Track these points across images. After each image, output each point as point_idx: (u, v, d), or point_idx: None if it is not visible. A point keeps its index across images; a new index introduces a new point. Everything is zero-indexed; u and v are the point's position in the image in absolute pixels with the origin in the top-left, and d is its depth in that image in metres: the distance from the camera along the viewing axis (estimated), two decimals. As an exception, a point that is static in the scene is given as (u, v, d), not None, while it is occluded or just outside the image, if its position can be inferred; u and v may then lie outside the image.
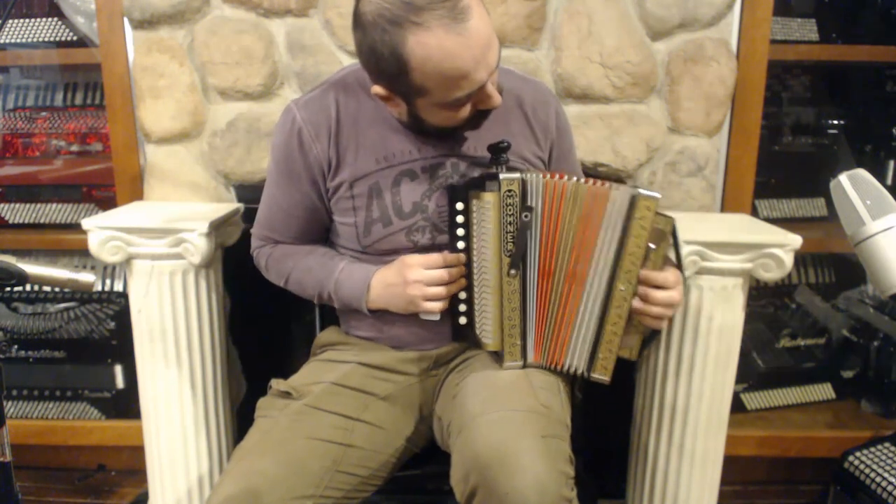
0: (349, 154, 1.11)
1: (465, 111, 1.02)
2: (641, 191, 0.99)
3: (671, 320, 1.07)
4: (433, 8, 0.89)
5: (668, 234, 1.00)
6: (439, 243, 1.11)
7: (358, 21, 0.96)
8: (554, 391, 1.05)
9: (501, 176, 1.00)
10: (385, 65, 0.95)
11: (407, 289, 1.07)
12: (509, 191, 1.00)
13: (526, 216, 1.01)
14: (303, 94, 1.16)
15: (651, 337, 1.07)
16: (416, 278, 1.06)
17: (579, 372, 1.07)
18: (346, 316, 1.23)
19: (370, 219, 1.11)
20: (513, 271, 1.02)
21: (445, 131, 1.08)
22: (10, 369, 1.86)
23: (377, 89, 1.01)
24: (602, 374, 1.06)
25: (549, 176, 1.02)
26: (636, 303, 1.02)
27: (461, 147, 1.12)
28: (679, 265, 1.06)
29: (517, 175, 1.01)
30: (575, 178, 1.02)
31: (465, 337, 1.12)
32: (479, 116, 1.06)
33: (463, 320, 1.10)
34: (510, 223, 1.01)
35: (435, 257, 1.07)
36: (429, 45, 0.91)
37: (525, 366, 1.07)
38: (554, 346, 1.07)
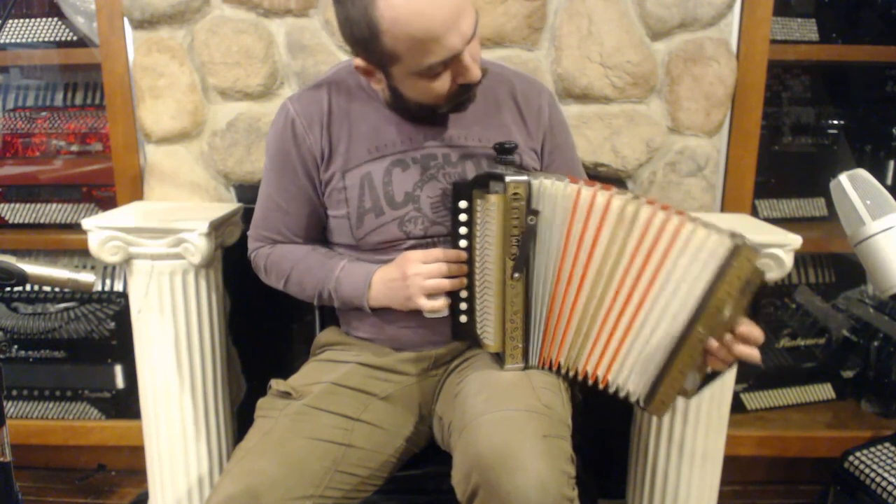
0: (341, 144, 1.11)
1: (444, 84, 1.01)
2: (747, 241, 0.91)
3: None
4: None
5: (755, 286, 0.93)
6: (432, 234, 1.11)
7: None
8: (555, 391, 1.04)
9: (507, 178, 0.98)
10: (358, 31, 0.96)
11: (406, 283, 1.07)
12: (515, 194, 0.98)
13: (531, 220, 0.99)
14: (297, 91, 1.18)
15: (711, 377, 1.00)
16: (415, 272, 1.06)
17: (633, 399, 1.01)
18: (347, 316, 1.22)
19: (362, 209, 1.11)
20: (516, 275, 1.01)
21: (427, 110, 1.07)
22: (10, 369, 1.86)
23: (357, 62, 1.02)
24: (658, 410, 1.00)
25: (581, 184, 0.97)
26: (712, 343, 0.95)
27: (452, 137, 1.12)
28: (756, 319, 0.97)
29: (524, 178, 0.98)
30: (629, 195, 0.96)
31: (466, 336, 1.11)
32: (461, 94, 1.05)
33: (463, 319, 1.10)
34: (514, 226, 0.99)
35: (434, 252, 1.07)
36: (396, 5, 0.91)
37: (526, 368, 1.06)
38: (591, 356, 1.02)
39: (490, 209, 1.00)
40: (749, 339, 0.95)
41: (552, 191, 0.98)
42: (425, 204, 1.10)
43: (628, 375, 1.01)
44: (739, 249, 0.91)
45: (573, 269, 1.00)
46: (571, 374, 1.05)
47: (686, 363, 0.96)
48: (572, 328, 1.03)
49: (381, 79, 1.04)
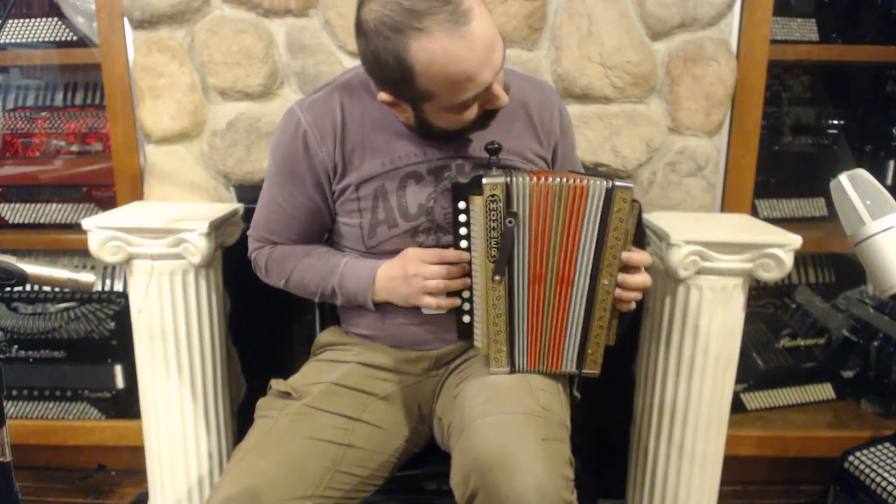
0: (355, 157, 1.11)
1: (473, 112, 1.02)
2: (617, 183, 0.99)
3: (639, 304, 1.10)
4: (434, 13, 0.89)
5: (636, 216, 1.01)
6: (444, 244, 1.11)
7: (360, 29, 0.96)
8: (553, 392, 1.05)
9: (484, 180, 0.98)
10: (390, 72, 0.95)
11: (407, 282, 1.07)
12: (492, 196, 0.98)
13: (510, 222, 0.99)
14: (306, 97, 1.16)
15: (624, 318, 1.08)
16: (416, 272, 1.06)
17: (572, 371, 1.08)
18: (348, 314, 1.22)
19: (375, 221, 1.11)
20: (497, 277, 1.01)
21: (452, 134, 1.08)
22: (10, 369, 1.86)
23: (383, 96, 1.01)
24: (592, 369, 1.07)
25: (534, 178, 1.00)
26: (617, 291, 1.03)
27: (466, 149, 1.12)
28: (641, 244, 1.06)
29: (501, 179, 0.99)
30: (559, 178, 1.00)
31: (469, 335, 1.11)
32: (487, 116, 1.06)
33: (466, 319, 1.10)
34: (494, 228, 1.00)
35: (432, 252, 1.07)
36: (432, 50, 0.90)
37: (512, 371, 1.07)
38: (551, 353, 1.07)
39: (475, 210, 1.01)
40: (637, 264, 1.02)
41: (523, 188, 1.00)
42: (439, 215, 1.10)
43: (567, 352, 1.07)
44: (614, 192, 0.99)
45: (537, 264, 1.03)
46: (547, 370, 1.08)
47: (602, 318, 1.05)
48: (545, 325, 1.06)
49: (407, 109, 1.03)
